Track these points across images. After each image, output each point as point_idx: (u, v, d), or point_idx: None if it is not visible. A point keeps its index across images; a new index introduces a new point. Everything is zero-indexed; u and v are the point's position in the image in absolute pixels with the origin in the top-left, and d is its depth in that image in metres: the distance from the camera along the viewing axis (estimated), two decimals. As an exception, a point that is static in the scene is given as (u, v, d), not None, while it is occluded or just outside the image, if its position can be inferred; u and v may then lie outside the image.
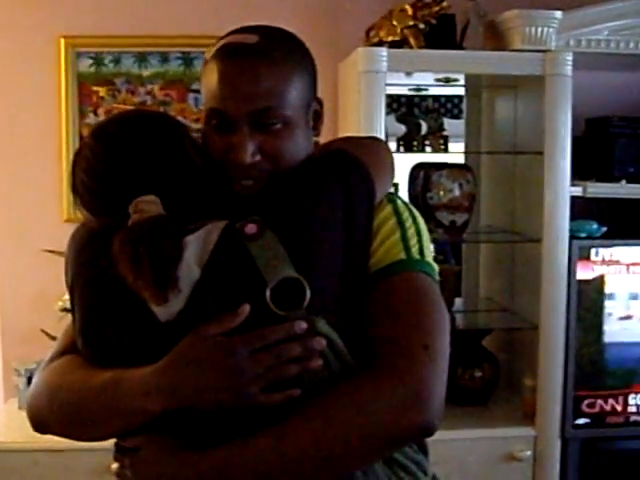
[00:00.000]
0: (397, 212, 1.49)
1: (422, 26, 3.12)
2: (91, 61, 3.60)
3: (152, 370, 1.35)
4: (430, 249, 1.51)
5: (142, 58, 3.62)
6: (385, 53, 3.06)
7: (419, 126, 3.62)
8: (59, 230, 3.56)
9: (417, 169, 3.55)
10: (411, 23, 3.11)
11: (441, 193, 3.40)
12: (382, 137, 3.05)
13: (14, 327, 3.63)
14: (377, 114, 3.07)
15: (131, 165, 1.41)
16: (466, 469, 3.21)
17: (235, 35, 1.50)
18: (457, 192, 3.40)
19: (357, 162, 1.46)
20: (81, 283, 1.48)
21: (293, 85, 1.46)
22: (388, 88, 3.18)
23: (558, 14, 3.11)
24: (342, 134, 3.43)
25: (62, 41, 3.56)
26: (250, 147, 1.43)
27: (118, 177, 1.41)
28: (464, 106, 3.91)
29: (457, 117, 3.89)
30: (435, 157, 3.59)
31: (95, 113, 3.61)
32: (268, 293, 1.31)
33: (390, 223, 1.47)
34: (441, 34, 3.20)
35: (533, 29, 3.09)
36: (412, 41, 3.12)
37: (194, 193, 1.44)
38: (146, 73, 3.62)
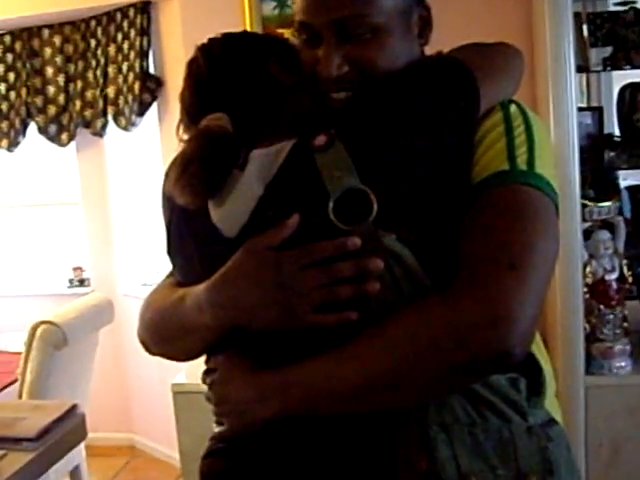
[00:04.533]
0: (507, 119, 1.32)
1: None
2: (274, 4, 3.55)
3: (205, 286, 1.30)
4: (547, 161, 1.31)
5: (325, -4, 3.51)
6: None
7: (625, 41, 3.31)
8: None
9: (624, 90, 3.26)
10: None
11: (648, 114, 3.10)
12: (570, 55, 2.79)
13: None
14: (564, 30, 2.78)
15: (217, 86, 1.37)
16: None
17: None
18: (668, 112, 3.09)
19: (459, 66, 1.30)
20: (163, 205, 1.47)
21: None
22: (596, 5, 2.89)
23: None
24: (536, 53, 3.19)
25: (244, -14, 3.53)
26: (336, 59, 1.33)
27: (205, 94, 1.38)
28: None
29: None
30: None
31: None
32: (331, 205, 1.20)
33: (497, 131, 1.30)
34: None
35: None
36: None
37: (281, 114, 1.37)
38: (329, 11, 3.52)
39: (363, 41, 1.32)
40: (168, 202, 1.41)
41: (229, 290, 1.27)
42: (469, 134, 1.29)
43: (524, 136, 1.30)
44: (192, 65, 1.42)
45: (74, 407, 2.72)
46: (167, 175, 1.40)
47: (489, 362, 1.16)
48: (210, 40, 1.44)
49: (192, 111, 1.40)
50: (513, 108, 1.34)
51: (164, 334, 1.44)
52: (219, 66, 1.38)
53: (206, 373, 1.41)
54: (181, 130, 1.43)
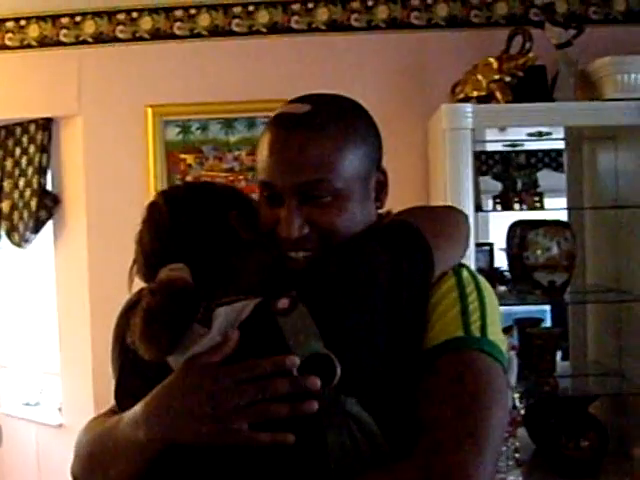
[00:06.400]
0: (460, 285, 1.39)
1: (508, 79, 3.00)
2: (178, 129, 3.61)
3: (142, 401, 1.33)
4: (497, 326, 1.39)
5: (229, 124, 3.61)
6: (470, 109, 2.95)
7: (515, 183, 3.49)
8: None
9: (514, 228, 3.42)
10: (497, 77, 3.00)
11: (538, 252, 3.25)
12: (469, 195, 2.94)
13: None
14: (463, 172, 2.95)
15: (179, 235, 1.41)
16: None
17: (289, 105, 1.46)
18: (555, 251, 3.25)
19: (415, 234, 1.37)
20: (115, 354, 1.49)
21: (345, 156, 1.38)
22: (485, 145, 3.06)
23: (653, 59, 2.95)
24: (434, 195, 3.33)
25: (149, 110, 3.60)
26: (297, 221, 1.37)
27: (164, 245, 1.42)
28: (564, 159, 3.75)
29: (556, 171, 3.74)
30: (535, 214, 3.44)
31: (183, 181, 3.59)
32: (295, 370, 1.24)
33: (451, 297, 1.37)
34: (530, 86, 3.06)
35: (626, 76, 2.94)
36: (498, 95, 3.00)
37: (239, 267, 1.41)
38: (233, 139, 3.61)
39: (324, 204, 1.38)
40: (121, 350, 1.44)
41: (165, 405, 1.29)
42: (424, 300, 1.35)
43: (477, 303, 1.37)
44: (153, 209, 1.47)
45: None
46: (123, 324, 1.43)
47: None
48: (172, 188, 1.48)
49: (151, 256, 1.44)
50: (465, 273, 1.42)
51: (99, 459, 1.42)
52: (182, 215, 1.43)
53: None
54: (135, 270, 1.47)
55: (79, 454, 1.49)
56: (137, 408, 1.33)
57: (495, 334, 1.36)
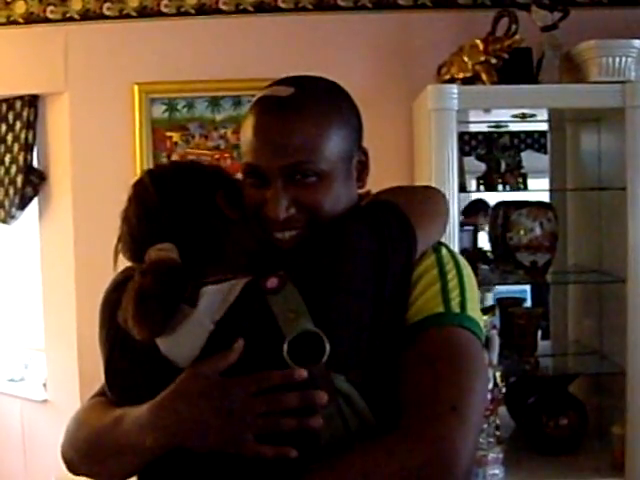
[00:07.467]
0: (440, 263, 1.44)
1: (494, 61, 3.01)
2: (164, 107, 3.62)
3: (148, 406, 1.34)
4: (475, 303, 1.44)
5: (215, 102, 3.62)
6: (456, 90, 2.97)
7: (498, 164, 3.52)
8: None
9: (497, 208, 3.45)
10: (482, 58, 3.01)
11: (521, 233, 3.29)
12: (454, 176, 2.96)
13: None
14: (449, 153, 2.97)
15: (165, 214, 1.42)
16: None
17: (272, 88, 1.48)
18: (538, 231, 3.28)
19: (397, 213, 1.41)
20: (103, 333, 1.49)
21: (329, 138, 1.42)
22: (468, 126, 3.07)
23: (637, 43, 2.98)
24: (418, 175, 3.35)
25: (135, 88, 3.60)
26: (284, 202, 1.41)
27: (152, 224, 1.43)
28: (548, 141, 3.79)
29: (540, 152, 3.77)
30: (518, 195, 3.47)
31: (169, 158, 3.61)
32: (285, 347, 1.26)
33: (431, 274, 1.41)
34: (515, 68, 3.08)
35: (611, 59, 2.97)
36: (484, 77, 3.02)
37: (226, 246, 1.44)
38: (219, 117, 3.62)
39: (309, 185, 1.41)
40: (110, 329, 1.46)
41: (174, 412, 1.31)
42: (408, 277, 1.39)
43: (456, 280, 1.42)
44: (139, 187, 1.48)
45: None
46: (111, 303, 1.44)
47: None
48: (158, 166, 1.49)
49: (138, 235, 1.45)
50: (444, 251, 1.46)
51: (97, 453, 1.45)
52: (168, 194, 1.44)
53: None
54: (120, 247, 1.49)
55: (75, 441, 1.51)
56: (142, 411, 1.34)
57: (474, 310, 1.41)
